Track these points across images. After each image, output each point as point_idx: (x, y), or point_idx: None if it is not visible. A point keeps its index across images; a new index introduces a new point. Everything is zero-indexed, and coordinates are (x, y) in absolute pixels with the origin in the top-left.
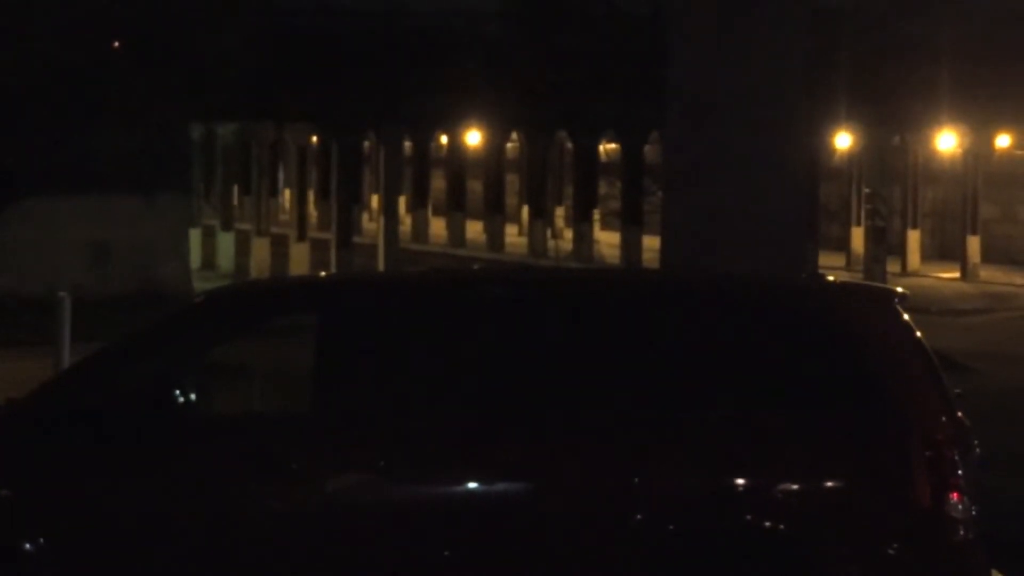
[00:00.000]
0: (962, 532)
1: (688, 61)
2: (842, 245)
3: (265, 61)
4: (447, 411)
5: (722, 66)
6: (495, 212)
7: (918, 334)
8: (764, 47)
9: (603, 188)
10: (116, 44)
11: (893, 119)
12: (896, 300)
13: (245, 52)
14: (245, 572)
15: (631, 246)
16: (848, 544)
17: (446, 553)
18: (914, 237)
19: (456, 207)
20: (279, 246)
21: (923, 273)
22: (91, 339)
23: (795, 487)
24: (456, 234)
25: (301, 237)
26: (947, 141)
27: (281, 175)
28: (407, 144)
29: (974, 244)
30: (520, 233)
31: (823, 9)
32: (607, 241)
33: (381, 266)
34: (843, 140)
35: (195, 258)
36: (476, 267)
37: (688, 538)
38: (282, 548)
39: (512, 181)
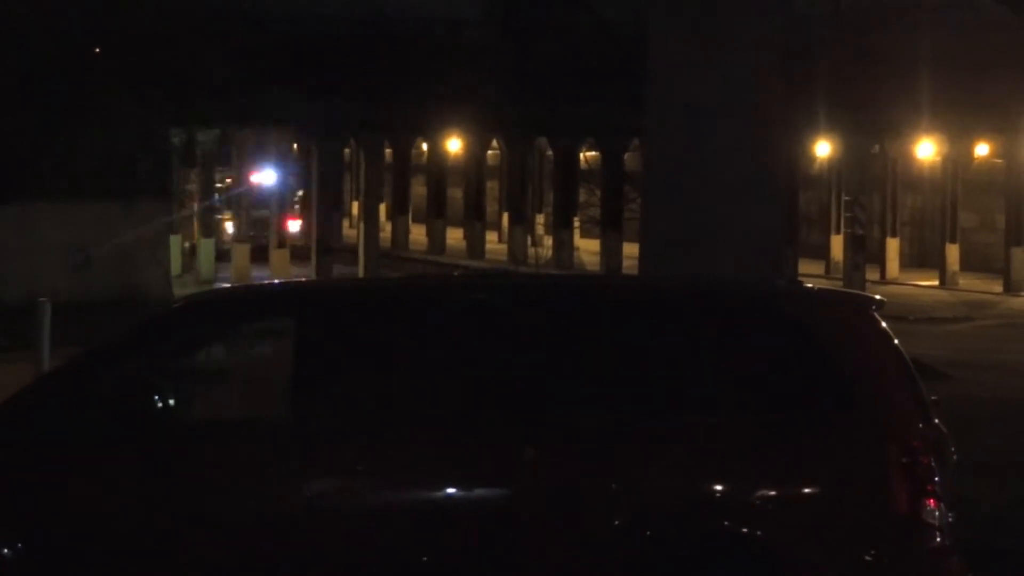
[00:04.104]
0: (938, 538)
1: (666, 70)
2: (822, 253)
3: (246, 68)
4: (425, 415)
5: (700, 74)
6: (475, 219)
7: (895, 341)
8: (741, 56)
9: (583, 195)
10: (97, 50)
11: (872, 127)
12: (873, 307)
13: (226, 59)
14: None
15: (611, 253)
16: (825, 550)
17: (424, 558)
18: (893, 245)
19: (436, 214)
20: (259, 252)
21: (902, 281)
22: (71, 344)
23: (772, 493)
24: (436, 241)
25: (281, 243)
26: (926, 149)
27: None
28: (387, 151)
29: (953, 252)
30: (500, 240)
31: (801, 17)
32: (587, 248)
33: (361, 272)
34: (823, 148)
35: (175, 264)
36: (455, 273)
37: (665, 543)
38: (260, 552)
39: (492, 188)
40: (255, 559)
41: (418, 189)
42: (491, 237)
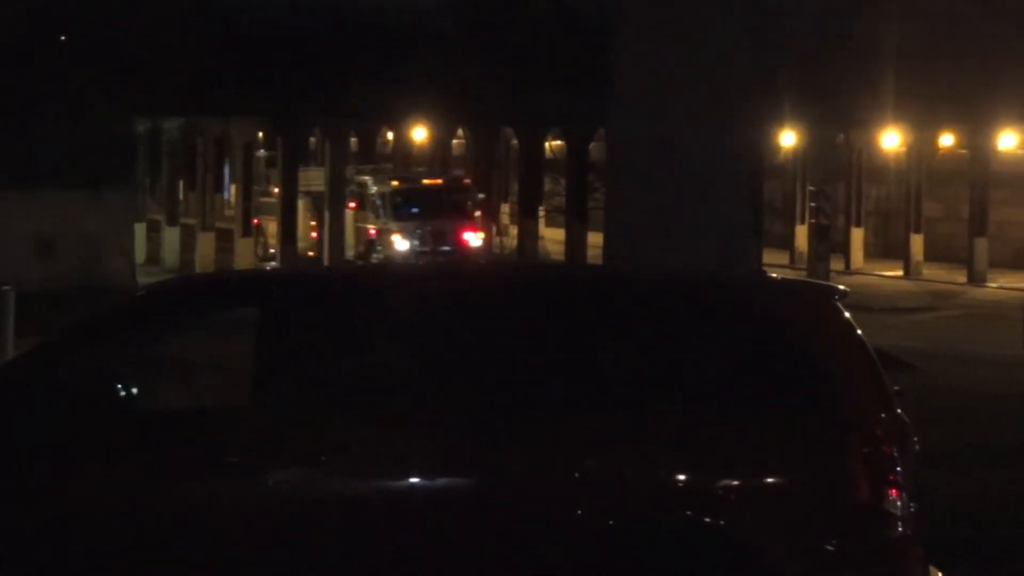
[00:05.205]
0: (900, 528)
1: (632, 57)
2: (786, 243)
3: (211, 56)
4: (388, 405)
5: (665, 62)
6: None
7: (858, 331)
8: (707, 44)
9: (548, 184)
10: (63, 38)
11: (838, 117)
12: (836, 297)
13: (191, 47)
14: (185, 567)
15: (575, 242)
16: (787, 540)
17: (387, 548)
18: (858, 235)
19: None
20: (224, 241)
21: (866, 271)
22: (35, 333)
23: (734, 483)
24: None
25: (246, 232)
26: (891, 140)
27: (227, 170)
28: (353, 140)
29: (917, 242)
30: None
31: (767, 6)
32: (552, 237)
33: (326, 261)
34: (788, 138)
35: (140, 253)
36: (419, 262)
37: (628, 534)
38: (223, 543)
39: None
40: (218, 549)
41: None
42: None
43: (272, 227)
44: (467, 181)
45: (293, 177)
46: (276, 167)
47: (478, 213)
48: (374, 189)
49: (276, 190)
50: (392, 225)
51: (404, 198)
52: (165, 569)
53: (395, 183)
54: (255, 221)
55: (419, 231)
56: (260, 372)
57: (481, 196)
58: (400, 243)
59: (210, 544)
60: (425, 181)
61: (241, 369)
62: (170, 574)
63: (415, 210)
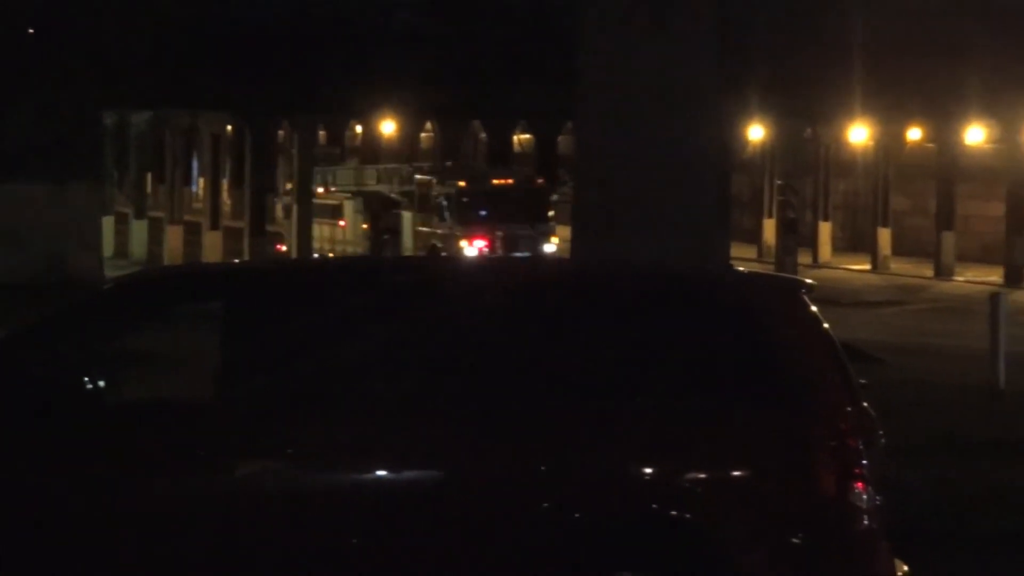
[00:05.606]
0: (866, 521)
1: (600, 50)
2: (754, 237)
3: (179, 48)
4: (354, 399)
5: (633, 55)
6: None
7: (825, 325)
8: (675, 37)
9: None
10: (31, 31)
11: (805, 111)
12: (803, 290)
13: (159, 39)
14: (152, 562)
15: None
16: (752, 533)
17: (354, 541)
18: (825, 229)
19: None
20: (192, 234)
21: (834, 265)
22: (0, 326)
23: (701, 475)
24: None
25: (214, 225)
26: (859, 134)
27: (195, 163)
28: (321, 133)
29: (884, 236)
30: None
31: (734, 1)
32: None
33: (294, 254)
34: (756, 132)
35: (108, 246)
36: (385, 256)
37: (593, 526)
38: (189, 536)
39: None
40: (186, 542)
41: None
42: None
43: (323, 230)
44: (540, 180)
45: (263, 169)
46: (320, 165)
47: (552, 215)
48: (438, 190)
49: (321, 190)
50: (459, 230)
51: (472, 200)
52: (132, 564)
53: (461, 183)
54: None
55: (489, 236)
56: (227, 365)
57: (554, 197)
58: (469, 250)
59: (178, 538)
60: (495, 181)
61: (208, 362)
62: (137, 569)
63: (484, 213)
